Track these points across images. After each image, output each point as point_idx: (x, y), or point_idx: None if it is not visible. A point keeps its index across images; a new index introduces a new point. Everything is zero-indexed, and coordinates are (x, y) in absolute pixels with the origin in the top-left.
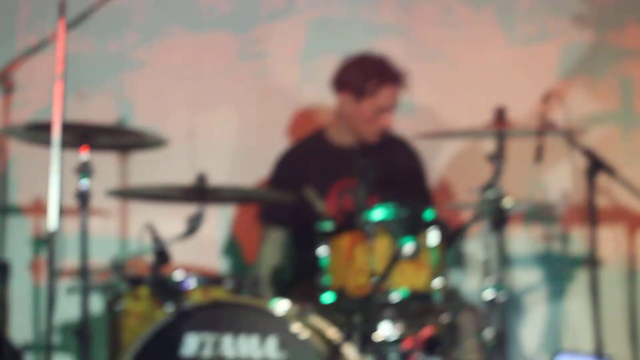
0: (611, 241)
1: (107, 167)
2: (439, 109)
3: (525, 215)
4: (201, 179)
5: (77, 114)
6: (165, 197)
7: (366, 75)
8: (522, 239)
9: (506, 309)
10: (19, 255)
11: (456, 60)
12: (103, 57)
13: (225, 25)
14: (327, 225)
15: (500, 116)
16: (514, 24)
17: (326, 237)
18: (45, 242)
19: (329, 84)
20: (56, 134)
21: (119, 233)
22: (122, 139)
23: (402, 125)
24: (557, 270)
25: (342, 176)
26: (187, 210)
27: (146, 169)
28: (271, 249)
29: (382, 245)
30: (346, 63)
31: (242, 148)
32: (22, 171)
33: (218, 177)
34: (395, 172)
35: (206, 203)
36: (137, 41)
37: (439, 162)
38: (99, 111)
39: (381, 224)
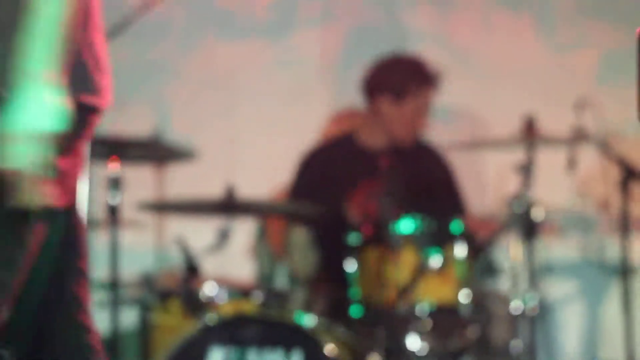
0: None
1: (143, 179)
2: (477, 115)
3: (561, 224)
4: (230, 192)
5: (115, 124)
6: (196, 210)
7: (407, 76)
8: (558, 248)
9: (536, 320)
10: None
11: (494, 67)
12: (141, 67)
13: (261, 34)
14: (355, 238)
15: (529, 125)
16: (553, 31)
17: (354, 250)
18: None
19: (361, 88)
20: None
21: (154, 245)
22: (154, 152)
23: (439, 132)
24: (594, 279)
25: (369, 177)
26: (221, 221)
27: (183, 179)
28: (299, 247)
29: (408, 258)
30: (381, 65)
31: (279, 156)
32: None
33: (255, 187)
34: (426, 180)
35: (235, 216)
36: (174, 50)
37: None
38: (136, 121)
39: (408, 236)
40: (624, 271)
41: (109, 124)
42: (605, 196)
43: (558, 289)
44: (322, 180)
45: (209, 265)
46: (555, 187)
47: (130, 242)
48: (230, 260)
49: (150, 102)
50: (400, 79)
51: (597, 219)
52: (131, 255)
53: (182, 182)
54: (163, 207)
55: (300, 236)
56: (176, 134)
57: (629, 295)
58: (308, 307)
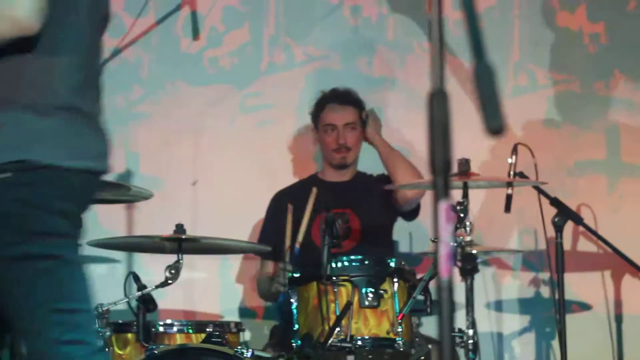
0: (599, 286)
1: (116, 216)
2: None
3: (515, 261)
4: (179, 230)
5: None
6: (155, 248)
7: (317, 105)
8: (511, 285)
9: (475, 355)
10: None
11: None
12: (111, 111)
13: (227, 79)
14: (295, 273)
15: (463, 168)
16: (505, 76)
17: (294, 285)
18: None
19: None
20: None
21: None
22: (123, 192)
23: None
24: (546, 314)
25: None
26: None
27: (151, 218)
28: (264, 281)
29: (346, 294)
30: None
31: (243, 197)
32: None
33: (220, 227)
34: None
35: (184, 252)
36: (143, 95)
37: None
38: None
39: (345, 272)
40: (558, 307)
41: None
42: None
43: (511, 323)
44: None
45: (176, 298)
46: (496, 227)
47: (101, 277)
48: (196, 294)
49: (121, 145)
50: (314, 110)
51: (539, 257)
52: (109, 287)
53: (150, 219)
54: (116, 246)
55: (266, 275)
56: (145, 175)
57: (564, 331)
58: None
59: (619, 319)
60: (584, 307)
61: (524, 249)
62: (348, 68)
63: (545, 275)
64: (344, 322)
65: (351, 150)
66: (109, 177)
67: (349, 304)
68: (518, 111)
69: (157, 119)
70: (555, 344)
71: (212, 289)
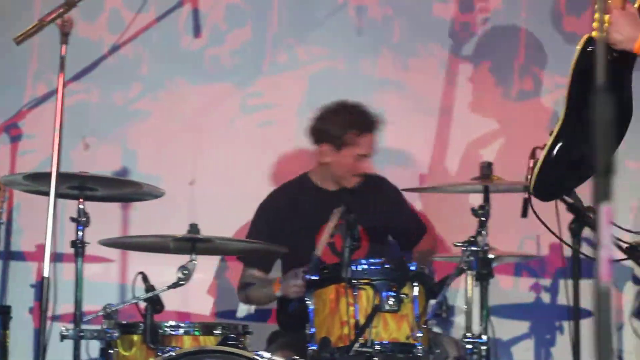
0: None
1: (110, 214)
2: (435, 161)
3: (516, 267)
4: (193, 230)
5: (82, 163)
6: (159, 248)
7: (345, 126)
8: (512, 290)
9: (487, 358)
10: (21, 299)
11: (452, 114)
12: (109, 108)
13: (228, 78)
14: (313, 276)
15: (485, 171)
16: (510, 80)
17: (312, 288)
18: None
19: (307, 135)
20: (53, 184)
21: (119, 280)
22: (121, 190)
23: (399, 174)
24: (546, 321)
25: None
26: (184, 257)
27: (147, 217)
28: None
29: (366, 297)
30: (323, 114)
31: (242, 198)
32: (26, 218)
33: (218, 227)
34: (383, 205)
35: (198, 253)
36: (142, 92)
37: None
38: (104, 160)
39: (365, 276)
40: (573, 315)
41: (77, 162)
42: (545, 241)
43: (511, 329)
44: (284, 221)
45: (170, 299)
46: (510, 232)
47: (98, 276)
48: (194, 294)
49: (118, 143)
50: (339, 129)
51: (540, 263)
52: (99, 289)
53: (146, 219)
54: (128, 245)
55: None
56: (142, 174)
57: (578, 338)
58: (270, 342)
59: (619, 326)
60: (585, 313)
61: (527, 254)
62: (351, 69)
63: (546, 282)
64: (365, 325)
65: None
66: (106, 174)
67: (376, 309)
68: (523, 115)
69: (156, 117)
70: (555, 350)
71: (207, 290)
